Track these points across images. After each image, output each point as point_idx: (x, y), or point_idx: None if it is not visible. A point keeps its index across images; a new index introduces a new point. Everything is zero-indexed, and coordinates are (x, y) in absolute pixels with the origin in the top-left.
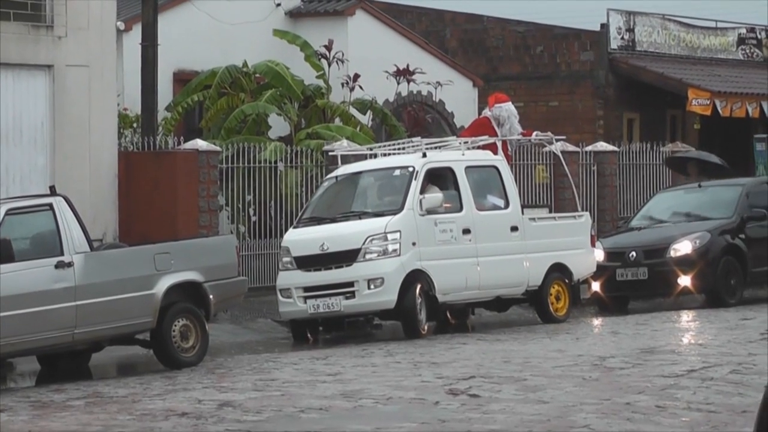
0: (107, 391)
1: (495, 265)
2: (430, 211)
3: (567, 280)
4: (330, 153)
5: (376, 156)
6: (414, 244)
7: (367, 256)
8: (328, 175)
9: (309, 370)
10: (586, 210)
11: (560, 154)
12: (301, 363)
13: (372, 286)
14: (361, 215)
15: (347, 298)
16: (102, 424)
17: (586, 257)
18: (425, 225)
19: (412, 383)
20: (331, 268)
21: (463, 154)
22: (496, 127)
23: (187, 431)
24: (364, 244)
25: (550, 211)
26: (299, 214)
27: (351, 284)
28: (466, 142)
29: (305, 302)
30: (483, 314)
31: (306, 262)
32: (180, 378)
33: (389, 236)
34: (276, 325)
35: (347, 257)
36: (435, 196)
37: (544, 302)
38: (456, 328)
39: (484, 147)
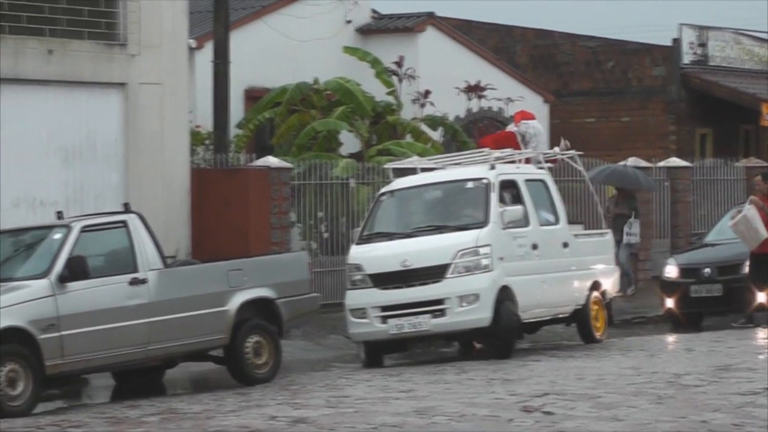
0: (181, 407)
1: (556, 282)
2: (509, 225)
3: (603, 299)
4: (383, 167)
5: (424, 170)
6: (501, 258)
7: (458, 272)
8: (383, 189)
9: (382, 386)
10: (663, 226)
11: (582, 169)
12: (374, 380)
13: (464, 304)
14: (441, 229)
15: (435, 316)
16: None
17: (614, 275)
18: (506, 239)
19: (485, 400)
20: (413, 285)
21: (518, 168)
22: (520, 143)
23: None
24: (454, 259)
25: (585, 228)
26: (360, 230)
27: (440, 302)
28: (492, 156)
29: (385, 322)
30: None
31: (384, 280)
32: (253, 394)
33: (480, 250)
34: (348, 341)
35: (434, 273)
36: (516, 209)
37: (587, 322)
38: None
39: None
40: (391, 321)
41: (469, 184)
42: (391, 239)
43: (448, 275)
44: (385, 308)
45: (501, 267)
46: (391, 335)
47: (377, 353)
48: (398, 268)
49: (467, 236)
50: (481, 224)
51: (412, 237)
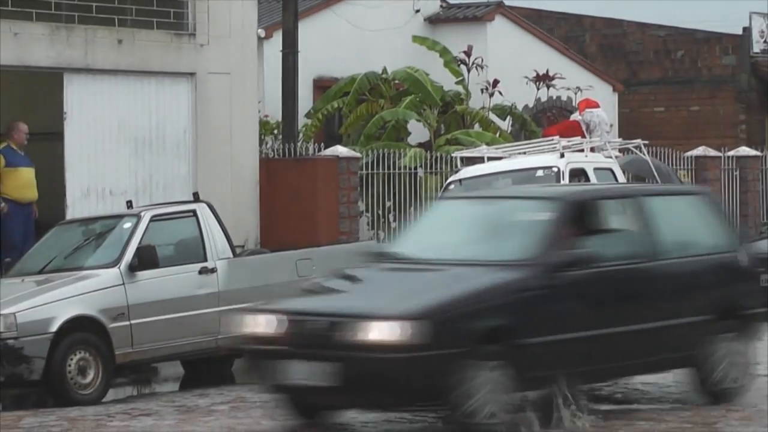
0: (250, 396)
1: None
2: None
3: None
4: (452, 155)
5: (491, 159)
6: None
7: None
8: (452, 178)
9: None
10: (733, 216)
11: (649, 158)
12: None
13: None
14: None
15: None
16: (246, 429)
17: None
18: None
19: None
20: None
21: (586, 156)
22: (585, 132)
23: None
24: None
25: None
26: None
27: None
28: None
29: None
30: None
31: None
32: None
33: None
34: None
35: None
36: None
37: None
38: None
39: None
40: None
41: (539, 173)
42: None
43: None
44: None
45: None
46: None
47: None
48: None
49: None
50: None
51: None
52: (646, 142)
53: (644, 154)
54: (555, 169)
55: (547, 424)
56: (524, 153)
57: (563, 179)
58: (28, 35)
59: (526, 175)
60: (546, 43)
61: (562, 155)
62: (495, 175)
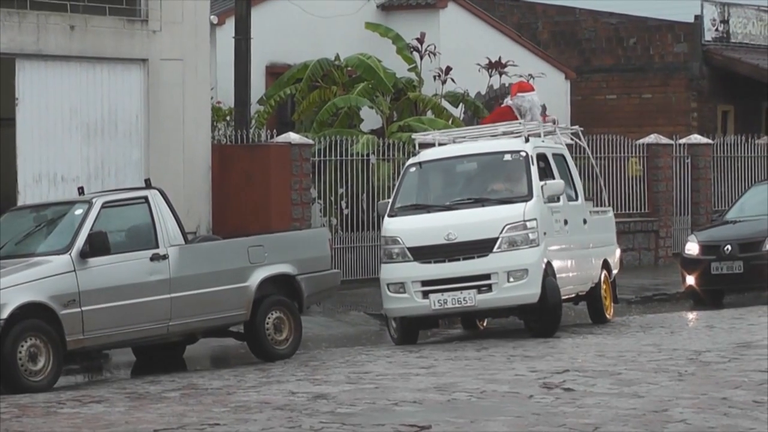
0: (202, 383)
1: (581, 259)
2: (549, 199)
3: (609, 277)
4: (412, 136)
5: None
6: (545, 233)
7: (505, 246)
8: (412, 160)
9: (402, 363)
10: (684, 203)
11: (585, 145)
12: (394, 356)
13: (512, 279)
14: (483, 202)
15: (481, 291)
16: (197, 416)
17: (617, 254)
18: (547, 213)
19: (505, 377)
20: (457, 260)
21: (543, 141)
22: (518, 117)
23: (282, 423)
24: (501, 232)
25: (594, 206)
26: (391, 203)
27: (487, 277)
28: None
29: (426, 297)
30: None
31: (426, 253)
32: (274, 370)
33: (528, 224)
34: (369, 317)
35: (481, 247)
36: (557, 182)
37: (599, 301)
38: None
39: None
40: (433, 296)
41: (507, 157)
42: (429, 212)
43: (496, 249)
44: (426, 283)
45: (546, 242)
46: (433, 311)
47: (413, 329)
48: (442, 241)
49: (514, 210)
50: (525, 198)
51: (453, 210)
52: (582, 128)
53: (581, 141)
54: (523, 154)
55: None
56: (464, 138)
57: (532, 164)
58: None
59: (493, 158)
60: (498, 30)
61: (527, 140)
62: (459, 159)
